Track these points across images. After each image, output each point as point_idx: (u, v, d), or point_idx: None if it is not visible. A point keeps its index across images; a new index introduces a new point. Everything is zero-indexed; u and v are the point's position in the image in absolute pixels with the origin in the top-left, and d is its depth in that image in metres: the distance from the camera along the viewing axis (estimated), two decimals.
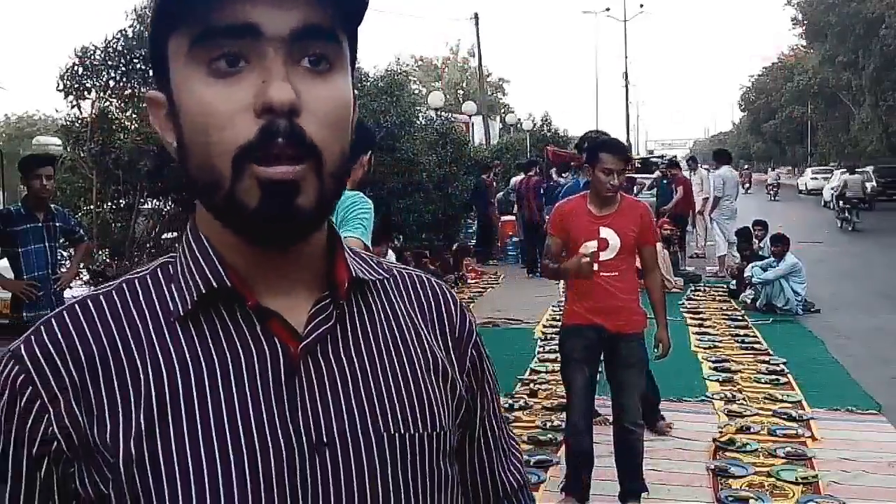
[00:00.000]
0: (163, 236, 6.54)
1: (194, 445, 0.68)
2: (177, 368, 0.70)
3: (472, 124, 22.86)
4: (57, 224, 4.92)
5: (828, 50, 42.06)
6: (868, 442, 4.70)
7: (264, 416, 0.70)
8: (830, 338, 7.49)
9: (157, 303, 0.74)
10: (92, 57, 5.87)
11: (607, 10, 42.99)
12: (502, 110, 44.97)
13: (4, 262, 4.89)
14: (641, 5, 42.59)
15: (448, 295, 0.88)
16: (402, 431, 0.75)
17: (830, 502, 3.88)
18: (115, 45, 5.93)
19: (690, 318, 8.41)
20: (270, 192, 0.67)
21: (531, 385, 5.91)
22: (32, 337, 0.71)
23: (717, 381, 6.03)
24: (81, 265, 5.60)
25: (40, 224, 4.80)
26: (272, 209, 0.67)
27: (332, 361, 0.75)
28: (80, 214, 5.91)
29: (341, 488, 0.71)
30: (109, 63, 5.88)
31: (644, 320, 3.73)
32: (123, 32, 6.00)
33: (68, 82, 5.80)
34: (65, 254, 5.56)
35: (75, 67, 5.82)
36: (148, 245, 6.24)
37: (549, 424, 5.00)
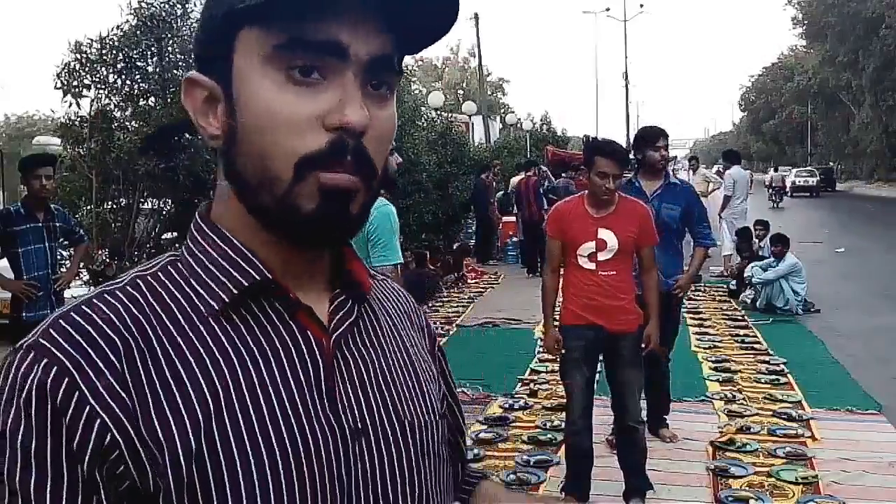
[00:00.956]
0: (163, 236, 6.53)
1: (249, 439, 0.69)
2: (222, 363, 0.70)
3: (472, 124, 22.86)
4: (57, 224, 4.92)
5: (828, 50, 42.10)
6: (868, 442, 4.70)
7: (308, 406, 0.72)
8: (830, 338, 7.49)
9: (182, 300, 0.72)
10: (88, 52, 5.84)
11: (607, 10, 43.07)
12: (502, 110, 44.96)
13: (4, 262, 4.89)
14: (641, 5, 42.63)
15: (412, 302, 0.94)
16: (416, 419, 0.80)
17: (830, 502, 3.88)
18: (111, 41, 5.89)
19: (690, 318, 8.40)
20: (330, 198, 0.69)
21: (531, 385, 5.91)
22: (51, 329, 0.67)
23: (717, 381, 6.03)
24: (81, 265, 5.60)
25: (40, 224, 4.80)
26: (329, 215, 0.70)
27: (357, 354, 0.78)
28: (79, 214, 5.90)
29: (377, 474, 0.75)
30: (106, 59, 5.86)
31: (640, 319, 3.73)
32: (119, 27, 5.98)
33: (66, 80, 5.78)
34: (65, 254, 5.55)
35: (72, 64, 5.79)
36: (148, 245, 6.23)
37: (549, 424, 5.00)
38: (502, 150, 18.86)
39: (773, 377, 6.09)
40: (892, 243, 15.28)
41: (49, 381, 0.64)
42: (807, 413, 5.21)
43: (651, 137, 4.54)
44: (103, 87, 5.92)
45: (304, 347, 0.74)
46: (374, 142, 0.71)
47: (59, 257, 5.22)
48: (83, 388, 0.64)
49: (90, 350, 0.66)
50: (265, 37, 0.68)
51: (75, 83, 5.82)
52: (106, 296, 0.71)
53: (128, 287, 0.72)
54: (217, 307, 0.72)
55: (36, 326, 0.69)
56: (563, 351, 3.81)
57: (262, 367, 0.72)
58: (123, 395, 0.66)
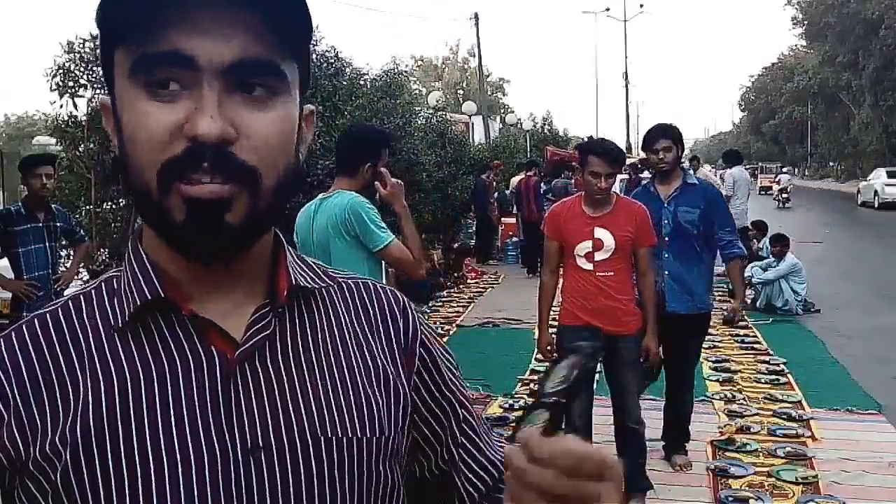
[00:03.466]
0: None
1: (130, 455, 0.70)
2: (114, 378, 0.72)
3: (472, 124, 22.86)
4: (57, 224, 4.93)
5: (828, 50, 42.12)
6: (868, 442, 4.70)
7: (199, 422, 0.72)
8: (830, 338, 7.50)
9: (98, 316, 0.76)
10: (82, 51, 5.81)
11: (607, 10, 43.00)
12: (502, 110, 44.97)
13: (4, 262, 4.89)
14: (641, 5, 42.60)
15: (392, 298, 0.88)
16: (340, 435, 0.76)
17: (830, 502, 3.88)
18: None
19: None
20: (195, 208, 0.68)
21: (531, 385, 5.91)
22: None
23: (717, 381, 6.03)
24: (81, 265, 5.60)
25: (40, 224, 4.81)
26: (198, 225, 0.69)
27: (270, 368, 0.76)
28: (78, 214, 5.89)
29: (277, 492, 0.73)
30: (100, 58, 5.85)
31: (639, 321, 3.73)
32: None
33: (61, 81, 5.75)
34: (64, 253, 5.55)
35: (66, 64, 5.77)
36: None
37: None
38: (501, 150, 18.81)
39: (773, 377, 6.10)
40: (892, 243, 15.27)
41: None
42: (807, 413, 5.22)
43: (647, 140, 4.24)
44: (99, 86, 5.90)
45: (204, 363, 0.73)
46: (250, 147, 0.69)
47: (59, 257, 5.21)
48: None
49: (2, 378, 0.72)
50: (127, 55, 0.70)
51: (71, 83, 5.80)
52: (36, 319, 0.76)
53: (58, 308, 0.77)
54: (120, 323, 0.74)
55: None
56: (555, 354, 3.81)
57: (156, 383, 0.72)
58: (25, 417, 0.71)
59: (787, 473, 4.21)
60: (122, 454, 0.70)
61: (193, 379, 0.73)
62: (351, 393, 0.79)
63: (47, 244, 4.84)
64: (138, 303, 0.73)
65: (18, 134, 36.36)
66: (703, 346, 7.03)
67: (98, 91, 5.91)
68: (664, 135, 4.18)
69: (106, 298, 0.77)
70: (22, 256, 4.73)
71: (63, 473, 0.70)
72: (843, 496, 3.93)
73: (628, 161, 18.51)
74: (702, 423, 4.98)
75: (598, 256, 3.62)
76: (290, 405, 0.75)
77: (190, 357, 0.74)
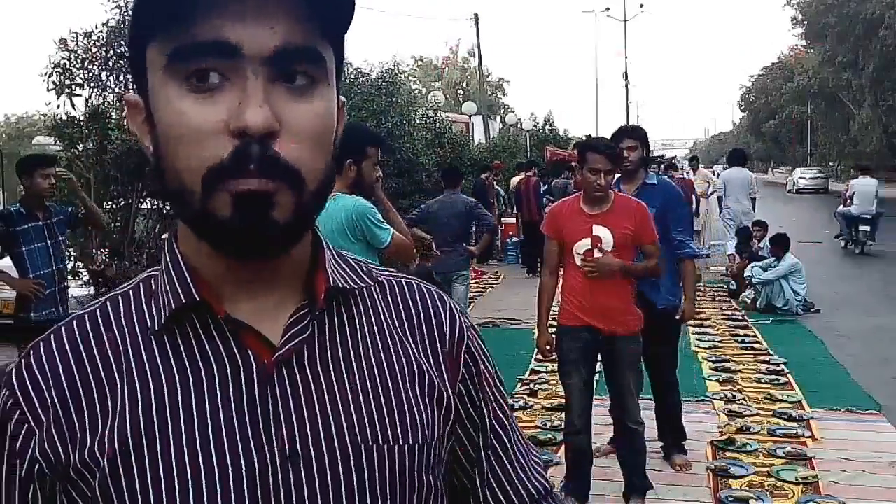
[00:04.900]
0: (162, 236, 6.52)
1: (167, 460, 0.69)
2: (150, 383, 0.71)
3: (472, 124, 22.86)
4: (56, 219, 4.92)
5: (828, 50, 42.10)
6: (868, 442, 4.70)
7: (237, 429, 0.70)
8: (830, 338, 7.49)
9: (135, 319, 0.75)
10: (75, 48, 5.78)
11: (607, 10, 43.00)
12: (502, 110, 44.96)
13: (7, 262, 4.90)
14: (641, 5, 42.57)
15: (438, 301, 0.85)
16: (381, 443, 0.74)
17: (830, 502, 3.88)
18: (98, 37, 5.83)
19: None
20: (243, 204, 0.66)
21: (531, 385, 5.92)
22: (23, 360, 0.74)
23: (717, 381, 6.03)
24: (75, 261, 5.58)
25: (40, 223, 4.81)
26: (245, 221, 0.67)
27: (308, 372, 0.74)
28: (79, 214, 5.87)
29: (316, 501, 0.71)
30: (96, 56, 5.80)
31: (639, 320, 3.72)
32: (106, 24, 5.93)
33: (58, 80, 5.72)
34: (70, 251, 5.55)
35: (62, 62, 5.74)
36: (147, 245, 6.22)
37: (549, 424, 5.00)
38: (501, 150, 18.78)
39: (773, 377, 6.09)
40: (892, 243, 15.26)
41: (6, 411, 0.73)
42: (807, 413, 5.22)
43: (615, 138, 4.25)
44: (96, 85, 5.87)
45: (240, 366, 0.72)
46: (293, 140, 0.67)
47: (64, 255, 5.19)
48: (30, 421, 0.72)
49: (41, 383, 0.72)
50: (163, 48, 0.67)
51: (68, 82, 5.78)
52: (75, 321, 0.76)
53: (97, 310, 0.76)
54: (157, 327, 0.73)
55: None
56: (554, 354, 3.81)
57: (192, 387, 0.71)
58: (65, 423, 0.71)
59: (787, 473, 4.21)
60: (160, 460, 0.69)
61: (230, 383, 0.71)
62: (392, 398, 0.76)
63: (49, 242, 4.85)
64: (173, 306, 0.72)
65: (18, 134, 36.34)
66: (703, 346, 7.12)
67: (94, 91, 5.90)
68: (629, 134, 4.26)
69: (143, 299, 0.76)
70: (26, 255, 4.74)
71: (102, 481, 0.69)
72: (843, 496, 3.93)
73: None
74: (702, 423, 4.98)
75: (598, 255, 3.62)
76: (328, 412, 0.73)
77: (226, 361, 0.72)
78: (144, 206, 6.32)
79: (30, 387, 0.72)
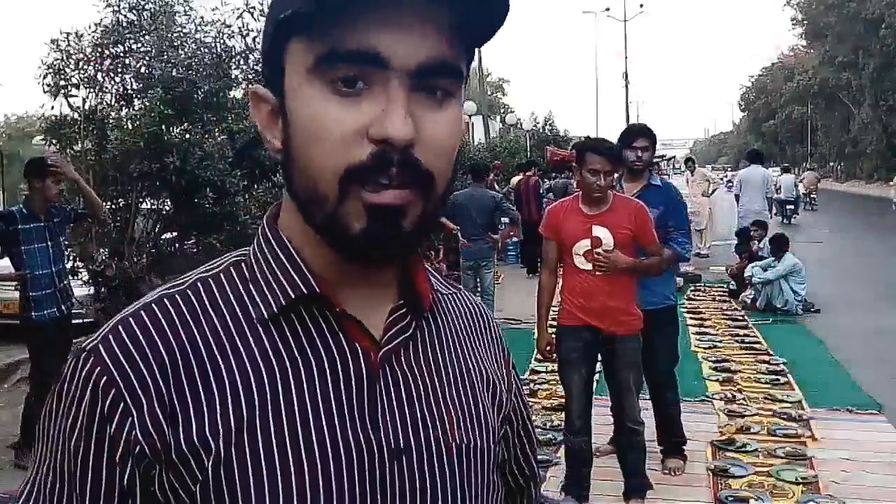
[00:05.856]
0: (162, 236, 6.53)
1: (282, 447, 0.69)
2: (263, 370, 0.71)
3: (472, 124, 22.86)
4: (57, 220, 4.94)
5: (828, 50, 42.12)
6: (868, 442, 4.70)
7: (347, 420, 0.71)
8: (830, 338, 7.49)
9: (235, 304, 0.73)
10: (66, 47, 5.76)
11: (607, 10, 42.96)
12: (502, 110, 44.95)
13: (5, 262, 4.90)
14: (641, 5, 42.50)
15: (489, 316, 0.91)
16: (465, 442, 0.77)
17: (830, 502, 3.88)
18: (92, 38, 5.81)
19: (690, 318, 8.40)
20: (377, 216, 0.67)
21: (531, 385, 5.92)
22: (111, 335, 0.70)
23: (717, 381, 6.03)
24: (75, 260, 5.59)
25: (42, 224, 4.83)
26: (378, 234, 0.67)
27: (407, 370, 0.76)
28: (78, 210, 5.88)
29: (416, 496, 0.72)
30: (91, 57, 5.78)
31: (639, 321, 3.72)
32: (99, 24, 5.91)
33: (53, 80, 5.71)
34: (70, 251, 5.55)
35: (55, 63, 5.73)
36: (147, 245, 6.22)
37: (549, 424, 5.00)
38: (500, 150, 18.77)
39: (773, 377, 6.09)
40: (892, 244, 15.27)
41: (100, 389, 0.68)
42: (807, 413, 5.22)
43: (629, 136, 4.26)
44: (92, 86, 5.87)
45: (349, 359, 0.73)
46: (429, 150, 0.68)
47: (64, 256, 5.20)
48: (127, 399, 0.68)
49: (139, 359, 0.69)
50: (309, 48, 0.67)
51: (63, 83, 5.77)
52: (165, 299, 0.73)
53: (188, 290, 0.74)
54: (266, 314, 0.72)
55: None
56: (554, 354, 3.81)
57: (304, 377, 0.71)
58: (167, 403, 0.68)
59: (787, 473, 4.21)
60: (275, 448, 0.68)
61: (340, 375, 0.72)
62: (471, 399, 0.80)
63: (49, 243, 4.86)
64: (292, 295, 0.72)
65: (18, 134, 36.30)
66: (703, 346, 7.12)
67: (91, 91, 5.89)
68: (643, 134, 4.25)
69: (240, 285, 0.74)
70: (25, 255, 4.75)
71: (214, 465, 0.68)
72: (843, 496, 3.93)
73: None
74: (702, 423, 4.98)
75: (604, 249, 3.61)
76: (425, 409, 0.75)
77: (336, 353, 0.73)
78: (144, 206, 6.32)
79: (125, 362, 0.68)
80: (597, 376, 4.01)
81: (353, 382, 0.72)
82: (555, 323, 3.85)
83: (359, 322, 0.73)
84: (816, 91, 47.91)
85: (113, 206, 6.14)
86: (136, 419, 0.68)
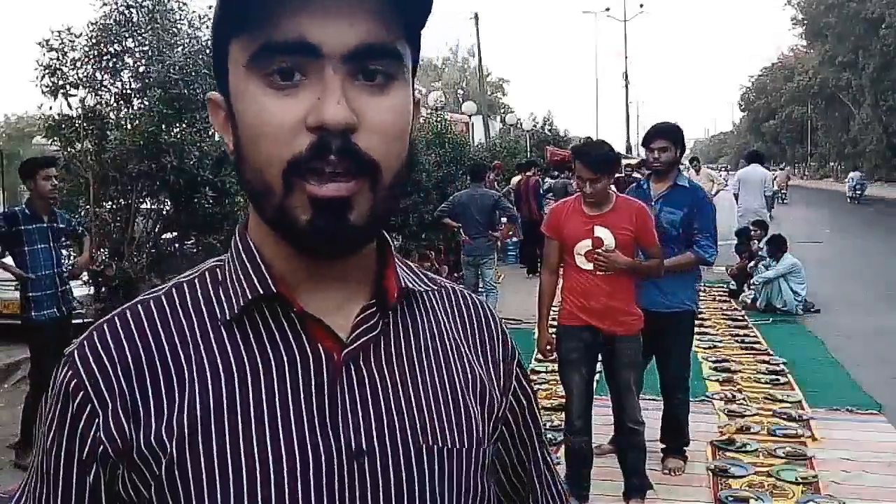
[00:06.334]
0: (162, 236, 6.52)
1: (235, 448, 0.69)
2: (221, 370, 0.71)
3: (472, 124, 22.85)
4: (60, 226, 4.96)
5: (828, 50, 42.13)
6: (868, 442, 4.70)
7: (305, 422, 0.71)
8: (830, 338, 7.50)
9: (203, 307, 0.75)
10: (57, 45, 5.74)
11: (607, 10, 42.97)
12: (502, 110, 44.98)
13: (8, 260, 4.91)
14: (641, 5, 42.54)
15: (489, 314, 0.88)
16: (441, 445, 0.75)
17: (830, 502, 3.88)
18: (90, 36, 5.79)
19: None
20: (321, 209, 0.67)
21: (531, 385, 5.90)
22: (85, 341, 0.73)
23: (717, 381, 6.03)
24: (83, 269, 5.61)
25: (45, 225, 4.84)
26: (323, 226, 0.68)
27: (375, 370, 0.74)
28: (78, 214, 5.88)
29: (379, 498, 0.71)
30: (90, 55, 5.76)
31: (639, 322, 3.72)
32: (95, 22, 5.89)
33: (51, 81, 5.69)
34: (65, 253, 5.56)
35: (51, 63, 5.71)
36: (147, 245, 6.22)
37: (549, 424, 4.99)
38: (500, 150, 18.75)
39: (773, 377, 6.10)
40: (892, 244, 15.28)
41: (70, 391, 0.72)
42: (807, 413, 5.22)
43: (646, 137, 4.29)
44: (91, 85, 5.85)
45: (310, 360, 0.72)
46: (372, 136, 0.67)
47: (61, 257, 5.22)
48: (94, 401, 0.71)
49: (107, 363, 0.71)
50: (245, 46, 0.68)
51: (60, 83, 5.75)
52: (139, 305, 0.76)
53: (162, 296, 0.76)
54: (229, 316, 0.73)
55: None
56: (554, 354, 3.81)
57: (262, 379, 0.71)
58: (129, 405, 0.70)
59: (787, 473, 4.21)
60: (228, 449, 0.69)
61: (300, 376, 0.72)
62: (451, 401, 0.77)
63: (52, 244, 4.88)
64: (249, 296, 0.72)
65: (18, 134, 36.31)
66: (703, 346, 7.11)
67: (89, 91, 5.87)
68: (661, 135, 4.22)
69: (211, 289, 0.76)
70: (28, 255, 4.76)
71: (168, 466, 0.69)
72: (843, 496, 3.93)
73: (626, 162, 18.55)
74: (702, 423, 4.98)
75: (607, 247, 3.61)
76: (393, 410, 0.74)
77: (297, 354, 0.72)
78: (144, 206, 6.31)
79: (94, 367, 0.71)
80: (597, 376, 4.01)
81: (313, 384, 0.71)
82: (555, 323, 3.86)
83: (321, 322, 0.73)
84: (816, 91, 47.92)
85: (113, 206, 6.13)
86: (101, 421, 0.70)
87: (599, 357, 3.85)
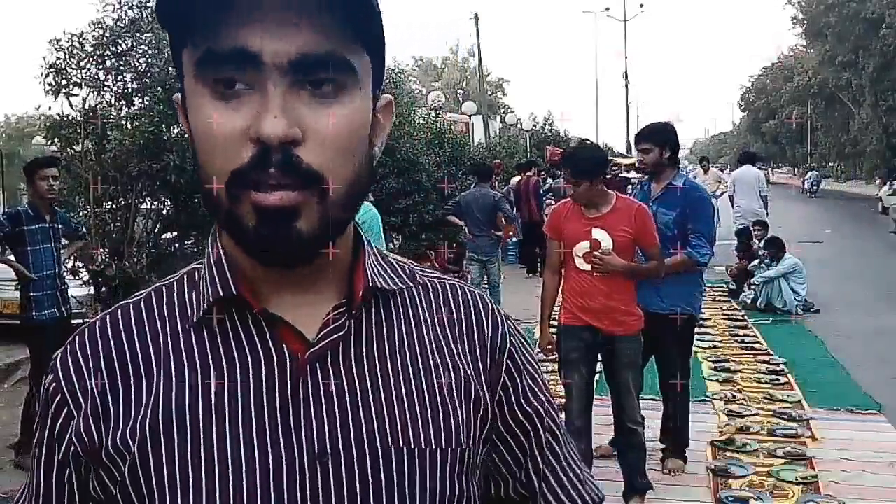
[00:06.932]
0: (162, 236, 6.52)
1: (196, 449, 0.69)
2: (185, 372, 0.72)
3: (472, 124, 22.85)
4: (60, 226, 4.97)
5: (828, 50, 42.10)
6: (868, 442, 4.70)
7: (267, 423, 0.71)
8: (830, 338, 7.50)
9: (177, 310, 0.76)
10: (68, 47, 5.75)
11: (607, 10, 43.05)
12: (502, 110, 44.98)
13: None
14: (641, 5, 42.58)
15: (482, 305, 0.84)
16: (412, 446, 0.73)
17: (830, 502, 3.88)
18: (93, 36, 5.80)
19: None
20: (265, 217, 0.67)
21: None
22: (68, 346, 0.77)
23: (717, 381, 6.03)
24: (74, 257, 5.63)
25: (47, 225, 4.85)
26: (267, 234, 0.67)
27: (343, 370, 0.73)
28: (78, 214, 5.88)
29: (343, 499, 0.70)
30: (93, 56, 5.77)
31: (639, 322, 3.72)
32: (99, 22, 5.89)
33: (54, 80, 5.69)
34: (64, 253, 5.57)
35: (57, 62, 5.71)
36: (147, 245, 6.21)
37: None
38: (499, 150, 18.74)
39: (773, 377, 6.10)
40: (892, 244, 15.28)
41: (50, 395, 0.75)
42: (807, 413, 5.22)
43: (635, 141, 4.31)
44: (93, 85, 5.85)
45: (275, 362, 0.72)
46: (317, 148, 0.66)
47: (61, 258, 5.23)
48: (70, 404, 0.74)
49: (83, 366, 0.74)
50: (192, 53, 0.68)
51: (64, 82, 5.76)
52: (120, 309, 0.78)
53: (142, 300, 0.78)
54: (195, 319, 0.74)
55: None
56: (554, 354, 3.81)
57: (226, 380, 0.72)
58: (100, 407, 0.73)
59: (787, 473, 4.21)
60: (189, 450, 0.70)
61: (263, 376, 0.72)
62: (427, 401, 0.75)
63: (53, 245, 4.89)
64: (211, 299, 0.73)
65: (18, 134, 36.31)
66: (703, 346, 7.11)
67: (91, 91, 5.88)
68: (644, 137, 4.23)
69: (185, 292, 0.77)
70: (30, 255, 4.77)
71: (131, 467, 0.70)
72: (843, 496, 3.93)
73: (625, 162, 18.53)
74: (702, 423, 4.98)
75: (604, 249, 3.62)
76: (360, 411, 0.73)
77: (261, 354, 0.72)
78: (144, 206, 6.31)
79: (72, 371, 0.74)
80: (597, 376, 4.01)
81: (276, 385, 0.71)
82: (555, 322, 3.86)
83: (287, 323, 0.73)
84: (816, 91, 47.89)
85: (113, 206, 6.13)
86: (74, 423, 0.73)
87: (599, 357, 3.85)
